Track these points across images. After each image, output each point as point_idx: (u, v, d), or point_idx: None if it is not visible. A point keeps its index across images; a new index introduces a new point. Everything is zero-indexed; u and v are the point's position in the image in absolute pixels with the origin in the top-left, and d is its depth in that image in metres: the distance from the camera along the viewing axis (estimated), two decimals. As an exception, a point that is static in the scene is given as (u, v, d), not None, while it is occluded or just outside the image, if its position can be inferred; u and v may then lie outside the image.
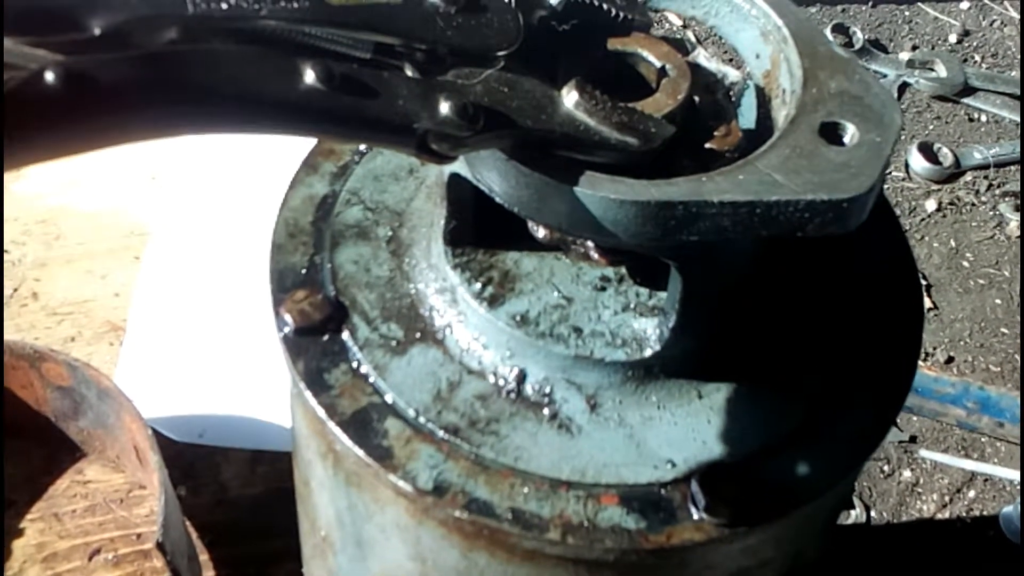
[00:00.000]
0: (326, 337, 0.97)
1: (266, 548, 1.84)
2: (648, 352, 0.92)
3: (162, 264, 2.17)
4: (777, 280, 0.98)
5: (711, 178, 0.79)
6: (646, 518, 0.88)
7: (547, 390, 0.93)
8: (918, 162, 2.58)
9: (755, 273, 0.95)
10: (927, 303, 2.37)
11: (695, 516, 0.88)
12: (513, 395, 0.93)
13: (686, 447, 0.92)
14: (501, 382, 0.94)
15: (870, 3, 3.04)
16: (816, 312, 1.00)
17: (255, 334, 2.06)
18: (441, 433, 0.91)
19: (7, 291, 2.11)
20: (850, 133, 0.83)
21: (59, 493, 1.88)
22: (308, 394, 0.93)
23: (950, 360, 2.27)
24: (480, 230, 0.96)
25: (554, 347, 0.92)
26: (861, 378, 0.97)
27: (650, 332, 0.93)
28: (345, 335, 0.96)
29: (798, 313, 0.99)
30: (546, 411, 0.93)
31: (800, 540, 1.01)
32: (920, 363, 2.21)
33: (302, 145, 1.07)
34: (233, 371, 2.03)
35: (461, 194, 0.92)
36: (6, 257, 2.16)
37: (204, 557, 1.82)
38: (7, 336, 1.84)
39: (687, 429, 0.93)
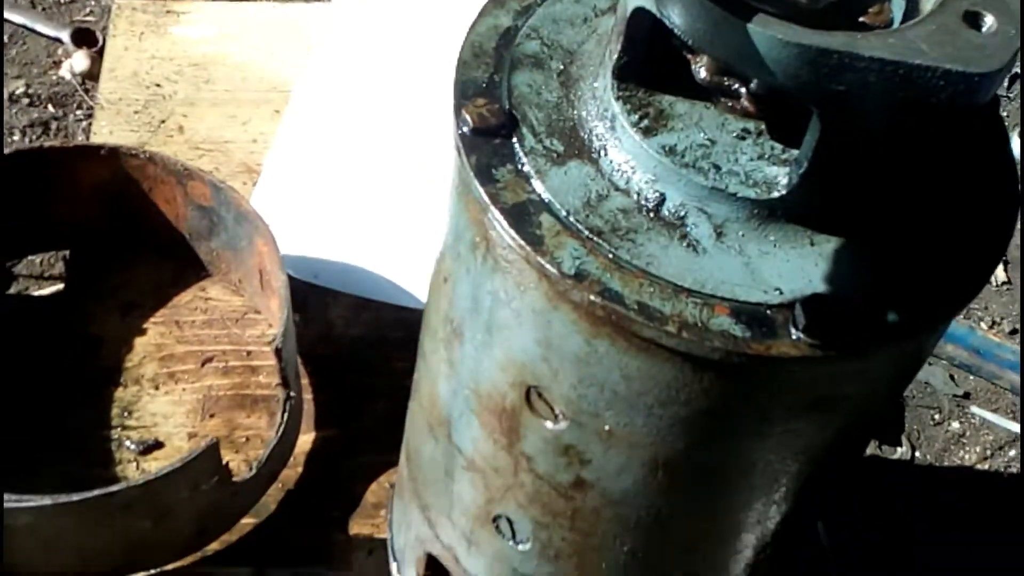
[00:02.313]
0: (497, 140, 1.11)
1: (362, 384, 2.01)
2: (775, 194, 1.06)
3: (302, 120, 2.35)
4: (900, 155, 1.11)
5: (865, 36, 0.93)
6: (751, 330, 1.02)
7: (682, 214, 1.07)
8: (1015, 147, 2.69)
9: (883, 141, 1.08)
10: (1003, 277, 2.49)
11: (794, 336, 1.01)
12: (652, 214, 1.08)
13: (794, 281, 1.06)
14: (643, 201, 1.08)
15: None
16: (928, 188, 1.13)
17: (379, 195, 2.23)
18: (586, 233, 1.06)
19: (155, 122, 2.29)
20: (989, 22, 0.96)
21: (182, 304, 2.06)
22: (476, 183, 1.08)
23: (1015, 332, 2.39)
24: (645, 72, 1.10)
25: (694, 177, 1.06)
26: (955, 251, 1.10)
27: (780, 178, 1.07)
28: (514, 141, 1.11)
29: (912, 186, 1.12)
30: (678, 231, 1.07)
31: (873, 390, 1.15)
32: (986, 329, 2.34)
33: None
34: (355, 224, 2.20)
35: (638, 31, 1.06)
36: (158, 91, 2.34)
37: (305, 381, 1.99)
38: (158, 149, 2.01)
39: (797, 268, 1.07)
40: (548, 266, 1.04)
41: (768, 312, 1.03)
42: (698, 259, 1.06)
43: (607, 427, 1.14)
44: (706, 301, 1.03)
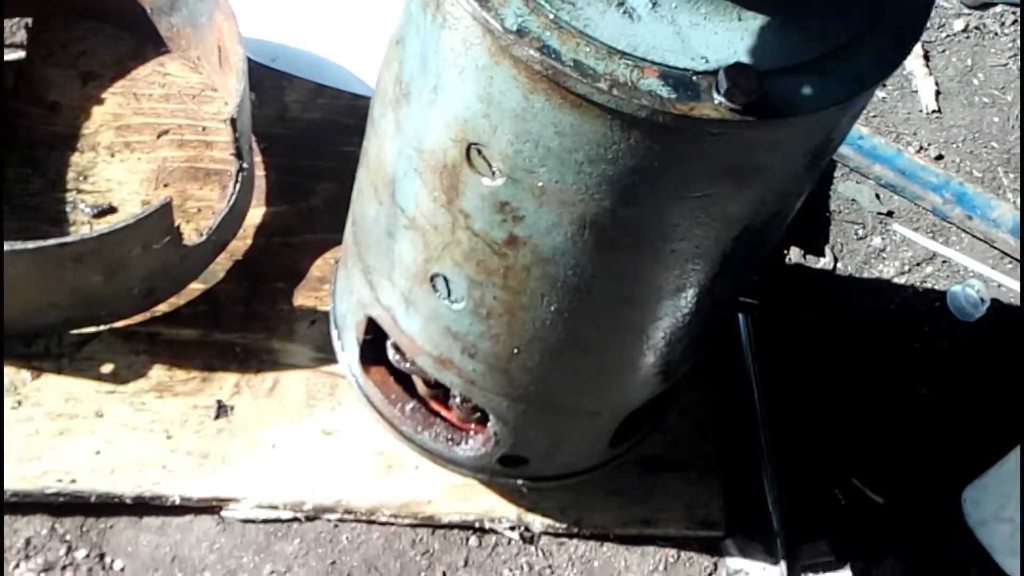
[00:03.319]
0: (453, -96, 1.17)
1: (314, 165, 2.08)
2: (709, -33, 1.13)
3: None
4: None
5: None
6: (677, 92, 1.10)
7: (619, -17, 1.14)
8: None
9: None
10: (933, 105, 2.58)
11: (716, 100, 1.10)
12: (592, -19, 1.15)
13: (720, 52, 1.13)
14: (585, -31, 1.15)
15: None
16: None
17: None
18: (530, -6, 1.13)
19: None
20: None
21: (141, 78, 2.11)
22: (429, -59, 1.14)
23: (940, 157, 2.50)
24: None
25: (634, -53, 1.13)
26: (870, 39, 1.18)
27: (715, -48, 1.13)
28: (470, -94, 1.17)
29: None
30: (616, -1, 1.14)
31: (785, 165, 1.24)
32: (914, 153, 2.44)
33: None
34: (314, 10, 2.24)
35: None
36: None
37: (258, 159, 2.05)
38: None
39: (724, 40, 1.14)
40: (492, 21, 1.11)
41: (694, 78, 1.11)
42: (633, 25, 1.13)
43: (540, 184, 1.22)
44: (637, 63, 1.11)
